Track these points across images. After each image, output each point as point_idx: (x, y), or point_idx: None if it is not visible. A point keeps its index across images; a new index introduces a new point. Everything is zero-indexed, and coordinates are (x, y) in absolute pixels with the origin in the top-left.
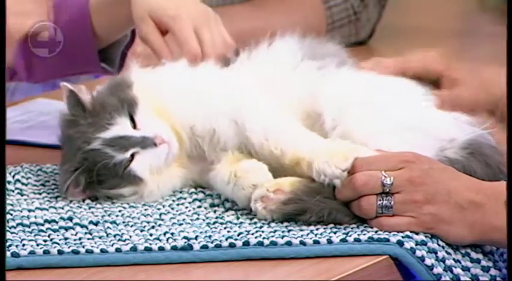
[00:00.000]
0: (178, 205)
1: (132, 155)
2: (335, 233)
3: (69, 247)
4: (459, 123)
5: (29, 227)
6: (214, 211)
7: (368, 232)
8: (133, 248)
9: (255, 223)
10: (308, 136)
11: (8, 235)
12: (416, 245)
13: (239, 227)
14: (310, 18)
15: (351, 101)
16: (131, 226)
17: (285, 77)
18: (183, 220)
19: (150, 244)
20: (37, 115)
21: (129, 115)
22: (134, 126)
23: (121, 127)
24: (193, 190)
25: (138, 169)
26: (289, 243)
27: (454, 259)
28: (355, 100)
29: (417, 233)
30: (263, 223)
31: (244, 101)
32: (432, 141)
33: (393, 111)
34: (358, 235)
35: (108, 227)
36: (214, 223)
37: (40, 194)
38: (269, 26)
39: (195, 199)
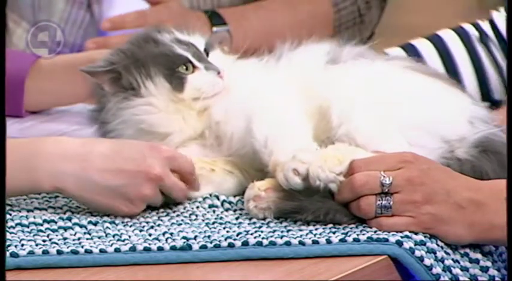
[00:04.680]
0: (177, 205)
1: (193, 71)
2: (334, 233)
3: (68, 247)
4: (472, 120)
5: (28, 227)
6: (214, 211)
7: (367, 232)
8: (133, 248)
9: (254, 223)
10: (298, 144)
11: (7, 235)
12: (415, 245)
13: (238, 227)
14: (318, 18)
15: (358, 100)
16: (130, 226)
17: (307, 80)
18: (182, 220)
19: (149, 244)
20: (37, 115)
21: (204, 45)
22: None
23: (195, 41)
24: None
25: (190, 82)
26: (288, 243)
27: (453, 259)
28: (363, 99)
29: (416, 233)
30: (262, 223)
31: (259, 104)
32: (440, 141)
33: (401, 111)
34: (357, 235)
35: (107, 227)
36: (213, 223)
37: (39, 194)
38: (275, 24)
39: (194, 200)
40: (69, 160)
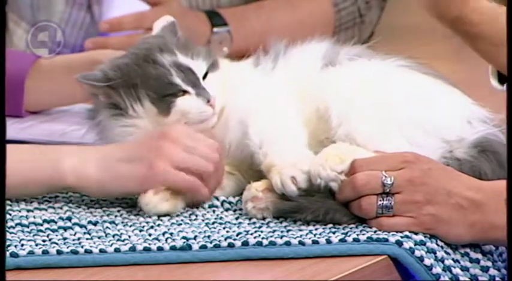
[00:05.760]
0: None
1: (183, 94)
2: (334, 233)
3: (68, 247)
4: (471, 120)
5: (28, 227)
6: (213, 211)
7: (367, 232)
8: (132, 248)
9: (254, 223)
10: (298, 150)
11: (7, 235)
12: (415, 245)
13: (238, 227)
14: (318, 18)
15: (357, 101)
16: (130, 226)
17: (304, 82)
18: (182, 220)
19: (149, 244)
20: (37, 115)
21: (206, 69)
22: (204, 78)
23: (196, 66)
24: None
25: (177, 105)
26: (288, 243)
27: (453, 259)
28: (361, 100)
29: (416, 233)
30: (262, 223)
31: (255, 108)
32: (439, 142)
33: (399, 111)
34: (357, 235)
35: (107, 227)
36: (213, 223)
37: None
38: (275, 24)
39: None
40: (90, 151)
